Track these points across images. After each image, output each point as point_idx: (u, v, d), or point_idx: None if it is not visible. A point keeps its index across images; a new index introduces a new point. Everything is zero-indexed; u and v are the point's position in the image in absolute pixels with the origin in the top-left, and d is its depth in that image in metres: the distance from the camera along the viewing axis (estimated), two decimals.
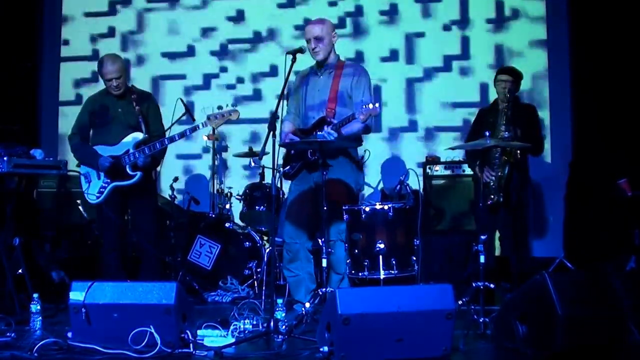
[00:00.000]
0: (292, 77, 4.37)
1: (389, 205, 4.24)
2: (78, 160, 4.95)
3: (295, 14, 7.14)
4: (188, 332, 3.54)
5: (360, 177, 4.55)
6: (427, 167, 6.20)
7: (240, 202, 5.99)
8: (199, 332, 3.70)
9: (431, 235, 5.64)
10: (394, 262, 4.14)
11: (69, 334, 3.58)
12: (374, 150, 5.69)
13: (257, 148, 6.25)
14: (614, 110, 6.11)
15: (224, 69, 7.26)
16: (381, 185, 6.66)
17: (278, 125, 3.99)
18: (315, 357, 3.39)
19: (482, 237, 4.06)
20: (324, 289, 4.11)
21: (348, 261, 4.24)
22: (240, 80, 7.22)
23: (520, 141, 4.79)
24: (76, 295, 3.56)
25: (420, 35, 6.96)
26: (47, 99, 7.46)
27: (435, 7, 6.95)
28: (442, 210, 6.07)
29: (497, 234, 5.27)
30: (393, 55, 6.99)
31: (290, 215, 4.51)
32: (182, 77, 7.27)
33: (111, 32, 7.41)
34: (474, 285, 4.05)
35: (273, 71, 7.07)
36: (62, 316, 4.20)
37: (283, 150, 4.58)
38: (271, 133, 3.90)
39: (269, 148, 3.94)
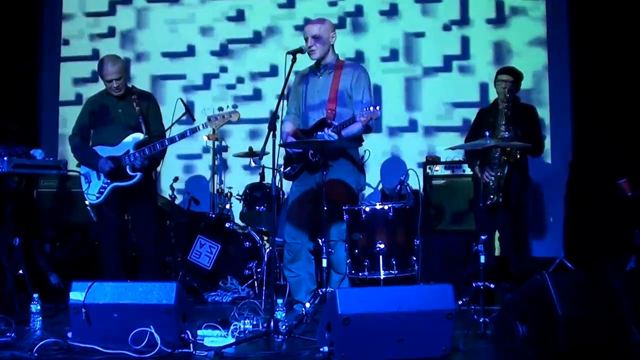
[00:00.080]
0: (292, 77, 4.37)
1: (389, 205, 4.24)
2: (78, 160, 4.95)
3: (295, 13, 7.15)
4: (188, 332, 3.54)
5: (361, 178, 4.56)
6: (427, 167, 6.20)
7: (240, 202, 5.99)
8: (199, 332, 3.70)
9: (431, 235, 5.64)
10: (394, 262, 4.14)
11: (69, 334, 3.58)
12: (374, 150, 5.69)
13: (256, 148, 6.28)
14: (614, 110, 6.11)
15: (224, 69, 7.26)
16: (381, 186, 6.66)
17: (278, 125, 3.99)
18: (315, 357, 3.39)
19: (482, 237, 4.06)
20: (324, 289, 4.12)
21: (348, 261, 4.24)
22: (240, 80, 7.23)
23: (520, 141, 4.79)
24: (76, 295, 3.56)
25: (420, 35, 6.96)
26: (47, 99, 7.46)
27: (435, 7, 6.95)
28: (442, 210, 6.07)
29: (497, 234, 5.28)
30: (393, 55, 6.99)
31: (292, 216, 4.51)
32: (182, 76, 7.28)
33: (111, 32, 7.42)
34: (474, 285, 4.05)
35: (273, 71, 7.07)
36: (62, 316, 4.19)
37: (283, 151, 4.58)
38: (271, 133, 3.91)
39: (269, 148, 3.94)
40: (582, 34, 6.43)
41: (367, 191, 6.62)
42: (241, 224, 5.97)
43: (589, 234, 6.09)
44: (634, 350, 3.37)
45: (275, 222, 4.67)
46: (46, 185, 6.38)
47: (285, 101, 4.42)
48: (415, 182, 4.90)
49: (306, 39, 4.44)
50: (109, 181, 4.76)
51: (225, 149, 6.47)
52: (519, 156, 5.00)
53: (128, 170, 4.73)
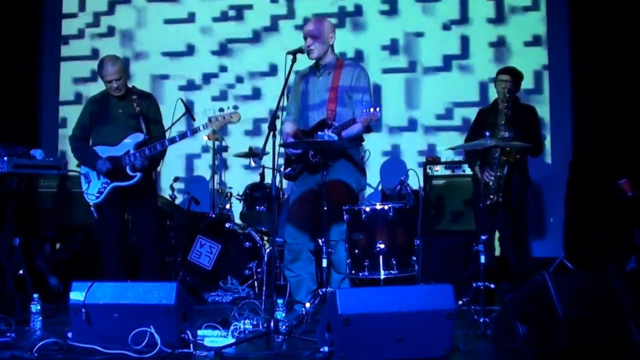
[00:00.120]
0: (292, 77, 4.37)
1: (389, 205, 4.24)
2: (78, 160, 4.95)
3: (295, 12, 7.14)
4: (188, 332, 3.54)
5: (361, 178, 4.56)
6: (427, 167, 6.20)
7: (240, 202, 5.99)
8: (199, 332, 3.70)
9: (431, 236, 5.63)
10: (394, 262, 4.14)
11: (69, 334, 3.58)
12: (374, 150, 5.70)
13: (256, 147, 6.28)
14: (614, 110, 6.10)
15: (223, 68, 7.26)
16: (381, 186, 6.66)
17: (278, 125, 3.99)
18: (315, 358, 3.39)
19: (482, 237, 4.06)
20: (324, 289, 4.12)
21: (348, 261, 4.24)
22: (239, 79, 7.23)
23: (520, 141, 4.79)
24: (76, 295, 3.56)
25: (420, 34, 6.97)
26: (47, 99, 7.47)
27: (435, 6, 6.96)
28: (442, 210, 6.07)
29: (497, 234, 5.28)
30: (393, 54, 6.99)
31: (293, 216, 4.51)
32: (182, 76, 7.28)
33: (111, 31, 7.42)
34: (474, 285, 4.05)
35: (273, 70, 7.07)
36: (62, 316, 4.19)
37: (283, 151, 4.58)
38: (271, 133, 3.90)
39: (269, 148, 3.94)
40: (582, 33, 6.43)
41: (367, 191, 6.61)
42: (241, 224, 5.97)
43: (589, 234, 6.08)
44: (634, 350, 3.37)
45: (276, 222, 4.67)
46: (46, 185, 6.38)
47: (284, 101, 4.41)
48: (415, 182, 4.90)
49: (305, 39, 4.44)
50: (108, 181, 4.75)
51: (226, 149, 6.47)
52: (518, 156, 5.00)
53: (128, 171, 4.73)
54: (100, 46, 7.32)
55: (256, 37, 7.22)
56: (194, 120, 5.07)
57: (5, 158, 4.51)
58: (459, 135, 6.54)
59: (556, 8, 6.71)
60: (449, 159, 6.20)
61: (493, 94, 5.59)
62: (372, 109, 4.08)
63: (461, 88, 6.83)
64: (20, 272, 4.63)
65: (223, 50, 7.26)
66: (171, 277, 5.61)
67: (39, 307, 4.09)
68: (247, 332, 3.85)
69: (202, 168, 7.13)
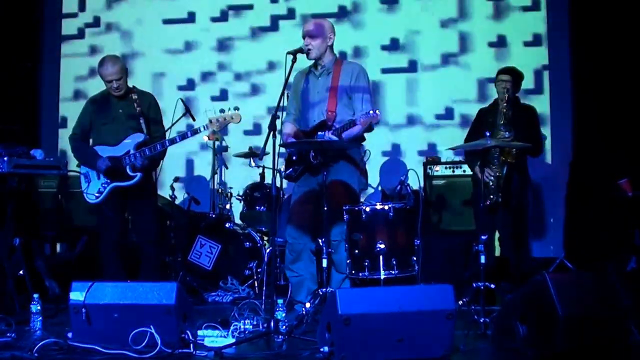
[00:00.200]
0: (291, 78, 4.37)
1: (390, 206, 4.24)
2: (78, 160, 4.95)
3: (295, 10, 7.14)
4: (188, 332, 3.54)
5: (362, 178, 4.56)
6: (427, 167, 6.20)
7: (240, 202, 5.99)
8: (199, 332, 3.70)
9: (431, 236, 5.63)
10: (394, 262, 4.14)
11: (69, 334, 3.58)
12: (374, 147, 5.70)
13: (255, 145, 6.28)
14: (614, 110, 6.10)
15: (222, 66, 7.26)
16: (381, 186, 6.66)
17: (278, 125, 3.99)
18: (315, 358, 3.39)
19: (483, 237, 4.06)
20: (324, 289, 4.12)
21: (348, 261, 4.25)
22: (238, 76, 7.23)
23: (519, 142, 4.79)
24: (76, 295, 3.56)
25: (419, 31, 6.97)
26: (47, 98, 7.47)
27: (434, 4, 6.96)
28: (442, 210, 6.07)
29: (497, 234, 5.28)
30: (392, 52, 7.00)
31: (294, 216, 4.51)
32: (180, 73, 7.28)
33: (109, 29, 7.43)
34: (474, 285, 4.05)
35: (271, 68, 7.07)
36: (63, 316, 4.19)
37: (284, 151, 4.58)
38: (271, 133, 3.90)
39: (269, 148, 3.94)
40: (582, 33, 6.43)
41: (367, 191, 6.61)
42: (241, 224, 5.97)
43: (589, 234, 6.08)
44: (634, 350, 3.37)
45: (276, 222, 4.67)
46: (46, 185, 6.38)
47: (285, 101, 4.41)
48: (415, 182, 4.90)
49: (304, 38, 4.44)
50: (108, 181, 4.75)
51: (226, 149, 6.47)
52: (517, 156, 4.99)
53: (128, 171, 4.73)
54: (100, 43, 7.33)
55: (256, 35, 7.22)
56: (194, 120, 5.07)
57: (5, 158, 4.51)
58: (457, 132, 6.47)
59: (556, 8, 6.71)
60: (449, 159, 6.20)
61: (491, 91, 5.61)
62: (372, 111, 4.09)
63: (460, 85, 6.83)
64: (21, 272, 4.63)
65: (222, 47, 7.26)
66: (171, 277, 5.60)
67: (39, 307, 4.10)
68: (247, 332, 3.85)
69: (202, 168, 7.13)
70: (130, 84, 4.93)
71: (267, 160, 5.71)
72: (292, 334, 3.72)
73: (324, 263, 4.17)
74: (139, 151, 4.71)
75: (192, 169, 7.25)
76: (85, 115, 4.94)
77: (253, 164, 6.11)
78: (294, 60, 4.20)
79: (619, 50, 6.14)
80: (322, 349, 3.30)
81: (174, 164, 6.78)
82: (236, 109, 4.59)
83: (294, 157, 4.51)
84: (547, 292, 3.25)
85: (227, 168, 6.48)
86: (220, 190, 6.19)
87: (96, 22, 7.45)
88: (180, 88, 7.19)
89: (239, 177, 6.78)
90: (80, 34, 7.47)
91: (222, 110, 4.60)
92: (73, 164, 5.06)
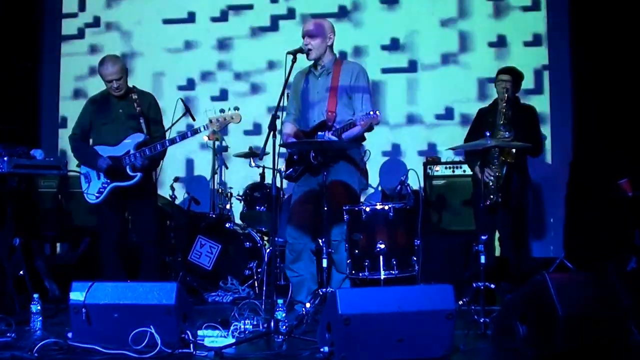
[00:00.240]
0: (291, 78, 4.37)
1: (390, 206, 4.24)
2: (78, 160, 4.95)
3: (295, 9, 7.15)
4: (188, 332, 3.54)
5: (363, 178, 4.56)
6: (427, 167, 6.20)
7: (240, 202, 5.99)
8: (200, 332, 3.70)
9: (431, 236, 5.62)
10: (394, 262, 4.14)
11: (69, 334, 3.58)
12: (374, 147, 5.70)
13: (255, 144, 6.28)
14: (614, 110, 6.10)
15: (222, 65, 7.26)
16: (381, 186, 6.66)
17: (278, 125, 3.99)
18: (315, 358, 3.39)
19: (482, 237, 4.06)
20: (324, 289, 4.12)
21: (348, 261, 4.25)
22: (237, 76, 7.23)
23: (519, 142, 4.79)
24: (76, 295, 3.56)
25: (419, 31, 6.97)
26: (47, 98, 7.47)
27: (434, 4, 6.96)
28: (442, 210, 6.07)
29: (497, 234, 5.28)
30: (392, 52, 7.00)
31: (294, 216, 4.51)
32: (180, 72, 7.28)
33: (109, 28, 7.42)
34: (474, 285, 4.05)
35: (271, 68, 7.07)
36: (63, 316, 4.19)
37: (284, 151, 4.58)
38: (271, 133, 3.90)
39: (269, 148, 3.94)
40: (582, 33, 6.43)
41: (368, 191, 6.61)
42: (241, 224, 5.97)
43: (589, 234, 6.08)
44: (634, 350, 3.37)
45: (276, 222, 4.67)
46: (46, 185, 6.38)
47: (285, 101, 4.41)
48: (415, 182, 4.91)
49: (303, 38, 4.44)
50: (108, 181, 4.75)
51: (226, 149, 6.47)
52: (517, 156, 4.99)
53: (128, 171, 4.73)
54: (99, 43, 7.32)
55: (256, 34, 7.21)
56: (194, 120, 5.07)
57: (5, 158, 4.51)
58: (457, 131, 6.46)
59: (556, 8, 6.71)
60: (449, 159, 6.20)
61: (491, 90, 5.60)
62: (372, 112, 4.09)
63: (460, 84, 6.84)
64: (21, 272, 4.63)
65: (222, 46, 7.26)
66: (171, 277, 5.60)
67: (39, 307, 4.10)
68: (247, 332, 3.85)
69: (202, 168, 7.13)
70: (130, 84, 4.93)
71: (267, 160, 5.70)
72: (292, 334, 3.72)
73: (324, 263, 4.17)
74: (139, 151, 4.71)
75: (192, 169, 7.26)
76: (85, 115, 4.94)
77: (253, 164, 6.11)
78: (294, 60, 4.20)
79: (619, 50, 6.14)
80: (322, 349, 3.30)
81: (174, 164, 6.78)
82: (236, 108, 4.59)
83: (295, 157, 4.51)
84: (547, 292, 3.25)
85: (227, 168, 6.48)
86: (220, 190, 6.19)
87: (96, 21, 7.46)
88: (180, 88, 7.20)
89: (239, 177, 6.78)
90: (80, 34, 7.47)
91: (222, 110, 4.60)
92: (73, 164, 5.06)
